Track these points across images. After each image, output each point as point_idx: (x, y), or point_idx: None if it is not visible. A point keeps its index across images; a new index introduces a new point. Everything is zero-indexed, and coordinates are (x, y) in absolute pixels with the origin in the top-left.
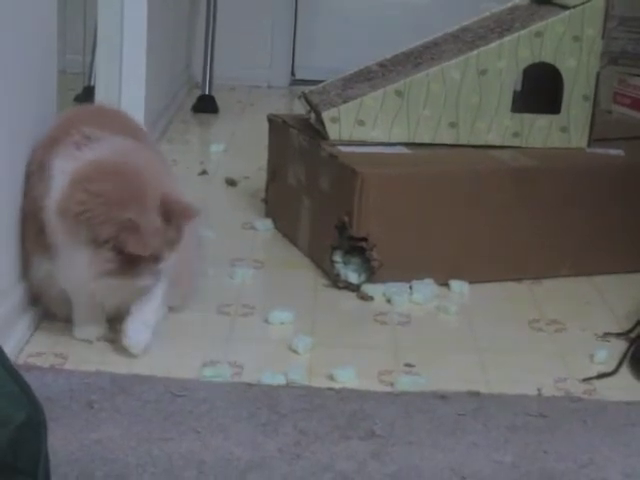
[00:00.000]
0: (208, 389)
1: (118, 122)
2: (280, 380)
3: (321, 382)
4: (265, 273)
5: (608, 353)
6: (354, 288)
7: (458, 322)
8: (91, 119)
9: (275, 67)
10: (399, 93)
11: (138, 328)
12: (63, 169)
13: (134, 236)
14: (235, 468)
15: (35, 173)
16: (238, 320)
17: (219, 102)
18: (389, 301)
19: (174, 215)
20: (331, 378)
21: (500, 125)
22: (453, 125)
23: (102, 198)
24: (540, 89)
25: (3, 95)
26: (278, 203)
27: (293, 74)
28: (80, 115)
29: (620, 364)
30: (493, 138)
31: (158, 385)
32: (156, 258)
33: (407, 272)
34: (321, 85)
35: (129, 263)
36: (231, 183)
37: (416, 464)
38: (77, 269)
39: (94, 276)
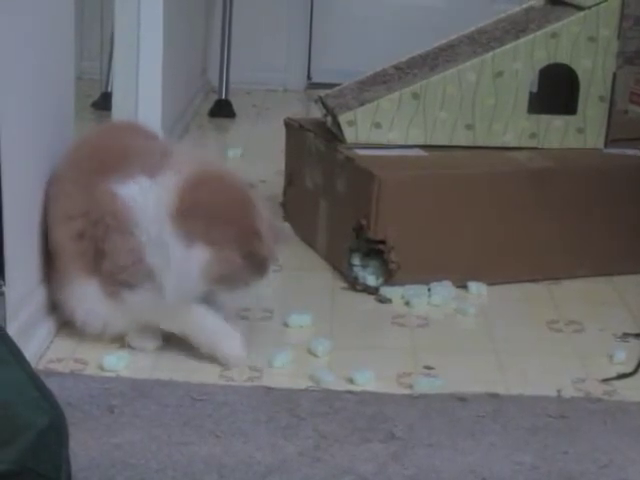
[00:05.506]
0: (228, 393)
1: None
2: (299, 383)
3: (340, 385)
4: (283, 277)
5: (627, 353)
6: (372, 291)
7: (476, 324)
8: (117, 135)
9: (291, 71)
10: (415, 95)
11: (228, 336)
12: (143, 193)
13: (261, 240)
14: (255, 472)
15: (75, 195)
16: (257, 324)
17: (235, 106)
18: (407, 303)
19: (276, 236)
20: (350, 381)
21: (516, 126)
22: (470, 127)
23: (227, 201)
24: (556, 90)
25: (21, 103)
26: (295, 207)
27: (309, 77)
28: (109, 134)
29: (639, 364)
30: (509, 139)
31: (178, 389)
32: (267, 268)
33: (425, 274)
34: (337, 88)
35: (246, 268)
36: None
37: (436, 466)
38: (189, 273)
39: (211, 278)
